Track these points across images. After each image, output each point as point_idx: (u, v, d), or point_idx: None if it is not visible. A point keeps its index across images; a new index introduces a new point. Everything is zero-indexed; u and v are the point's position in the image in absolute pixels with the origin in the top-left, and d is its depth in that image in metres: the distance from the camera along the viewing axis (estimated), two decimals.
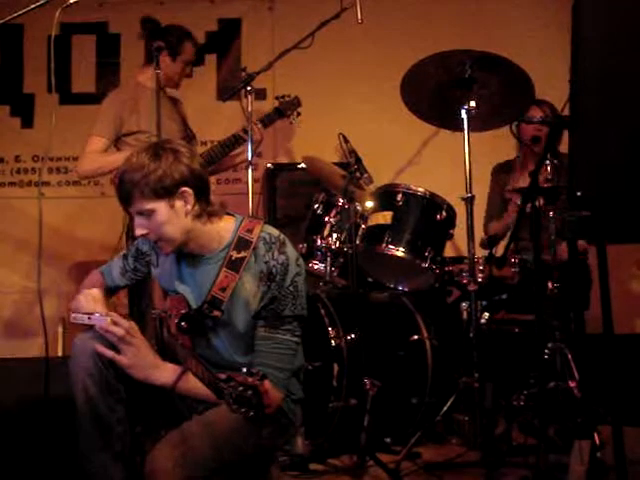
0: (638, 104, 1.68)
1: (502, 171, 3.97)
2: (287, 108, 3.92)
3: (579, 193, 1.67)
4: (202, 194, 2.17)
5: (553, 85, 3.04)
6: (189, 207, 2.14)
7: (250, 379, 1.77)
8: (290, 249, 2.21)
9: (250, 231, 2.21)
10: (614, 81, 1.69)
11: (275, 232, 2.23)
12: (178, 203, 2.12)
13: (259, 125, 3.76)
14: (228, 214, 2.27)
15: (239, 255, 2.17)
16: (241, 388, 1.77)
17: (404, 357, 3.36)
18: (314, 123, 4.40)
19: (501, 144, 3.74)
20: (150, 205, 2.10)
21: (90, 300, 2.18)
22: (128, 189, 2.09)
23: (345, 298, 3.31)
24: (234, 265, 2.16)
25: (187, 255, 2.25)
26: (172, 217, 2.11)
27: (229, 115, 4.30)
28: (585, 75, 1.67)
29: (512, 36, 4.52)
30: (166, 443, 2.04)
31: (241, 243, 2.19)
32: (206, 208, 2.18)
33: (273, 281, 2.15)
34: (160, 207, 2.10)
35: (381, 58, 4.62)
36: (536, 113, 3.59)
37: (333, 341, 3.13)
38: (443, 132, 3.76)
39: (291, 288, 2.16)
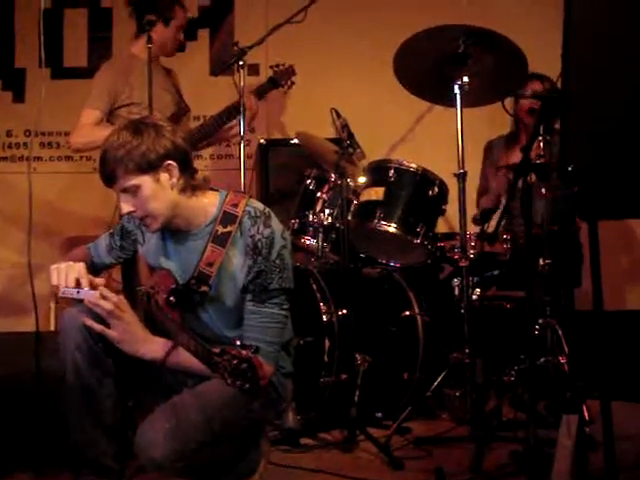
0: (630, 78, 1.66)
1: (494, 147, 3.95)
2: (281, 77, 3.87)
3: (570, 168, 1.67)
4: (186, 167, 2.15)
5: (547, 60, 3.02)
6: (174, 180, 2.12)
7: (244, 352, 1.79)
8: (275, 222, 2.20)
9: (235, 205, 2.20)
10: (607, 54, 1.67)
11: (260, 206, 2.23)
12: (163, 176, 2.11)
13: (252, 97, 3.72)
14: (212, 189, 2.26)
15: (225, 230, 2.16)
16: (235, 361, 1.78)
17: (395, 333, 3.36)
18: (307, 98, 4.38)
19: (495, 120, 3.73)
20: (135, 180, 2.08)
21: (72, 271, 2.13)
22: (111, 167, 2.07)
23: (337, 274, 3.30)
24: (220, 240, 2.16)
25: (173, 232, 2.24)
26: (158, 191, 2.10)
27: (222, 90, 4.26)
28: (577, 49, 1.65)
29: (507, 11, 4.47)
30: (156, 416, 2.02)
31: (227, 218, 2.18)
32: (191, 182, 2.17)
33: (259, 255, 2.14)
34: (145, 181, 2.08)
35: (375, 33, 4.58)
36: (537, 87, 3.58)
37: (325, 316, 3.13)
38: (437, 108, 3.74)
39: (277, 261, 2.15)
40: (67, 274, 2.12)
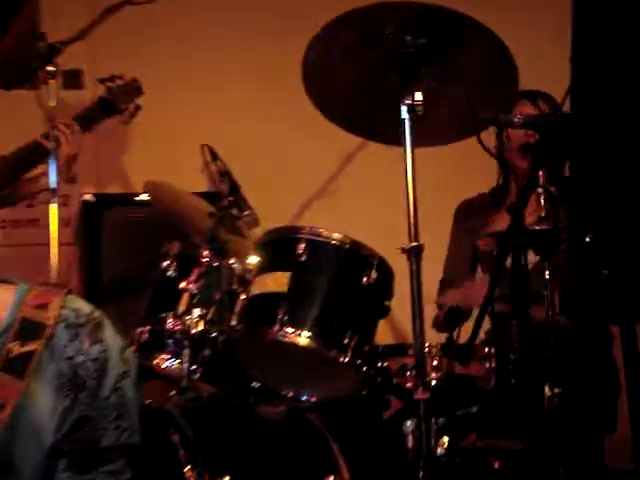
0: None
1: (471, 212, 4.12)
2: (120, 98, 3.92)
3: (588, 238, 1.67)
4: None
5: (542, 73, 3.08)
6: None
7: None
8: (110, 334, 2.13)
9: (43, 307, 2.12)
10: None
11: (85, 308, 2.15)
12: None
13: (74, 126, 3.77)
14: (4, 282, 2.18)
15: (23, 349, 2.07)
16: None
17: None
18: (164, 130, 4.48)
19: (468, 164, 3.77)
20: None
21: None
22: None
23: (214, 417, 3.31)
24: (15, 366, 2.06)
25: None
26: None
27: (19, 113, 4.32)
28: (591, 52, 1.78)
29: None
30: None
31: (27, 329, 2.09)
32: None
33: (82, 390, 2.05)
34: None
35: (274, 24, 4.71)
36: (527, 110, 3.76)
37: None
38: (373, 146, 3.80)
39: (113, 400, 2.07)
40: None
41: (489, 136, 3.29)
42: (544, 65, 2.97)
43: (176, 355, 3.43)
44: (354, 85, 3.26)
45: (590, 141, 2.01)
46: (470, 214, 4.07)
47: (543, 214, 2.95)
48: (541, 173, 2.96)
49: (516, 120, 3.32)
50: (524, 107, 3.79)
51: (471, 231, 3.95)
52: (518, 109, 3.74)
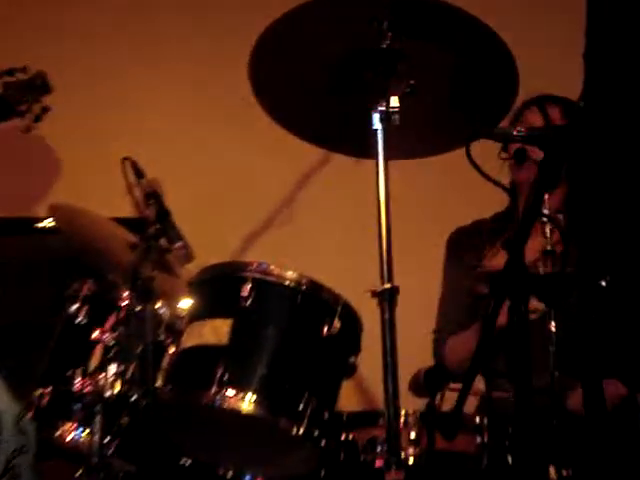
0: None
1: (466, 242, 4.20)
2: (20, 96, 3.94)
3: (604, 282, 1.64)
4: None
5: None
6: None
7: None
8: (2, 398, 2.27)
9: None
10: None
11: None
12: None
13: None
14: None
15: None
16: None
17: None
18: (75, 139, 4.51)
19: (459, 184, 3.75)
20: None
21: None
22: None
23: None
24: None
25: None
26: None
27: None
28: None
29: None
30: None
31: None
32: None
33: None
34: None
35: (215, 20, 4.83)
36: (535, 120, 3.91)
37: None
38: (338, 161, 3.86)
39: None
40: None
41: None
42: (555, 69, 2.98)
43: (85, 424, 3.40)
44: (317, 85, 3.35)
45: (603, 152, 2.01)
46: (465, 245, 4.16)
47: (549, 247, 2.97)
48: (547, 197, 2.92)
49: (515, 133, 3.33)
50: (532, 116, 3.91)
51: (467, 267, 4.03)
52: (525, 118, 3.89)
